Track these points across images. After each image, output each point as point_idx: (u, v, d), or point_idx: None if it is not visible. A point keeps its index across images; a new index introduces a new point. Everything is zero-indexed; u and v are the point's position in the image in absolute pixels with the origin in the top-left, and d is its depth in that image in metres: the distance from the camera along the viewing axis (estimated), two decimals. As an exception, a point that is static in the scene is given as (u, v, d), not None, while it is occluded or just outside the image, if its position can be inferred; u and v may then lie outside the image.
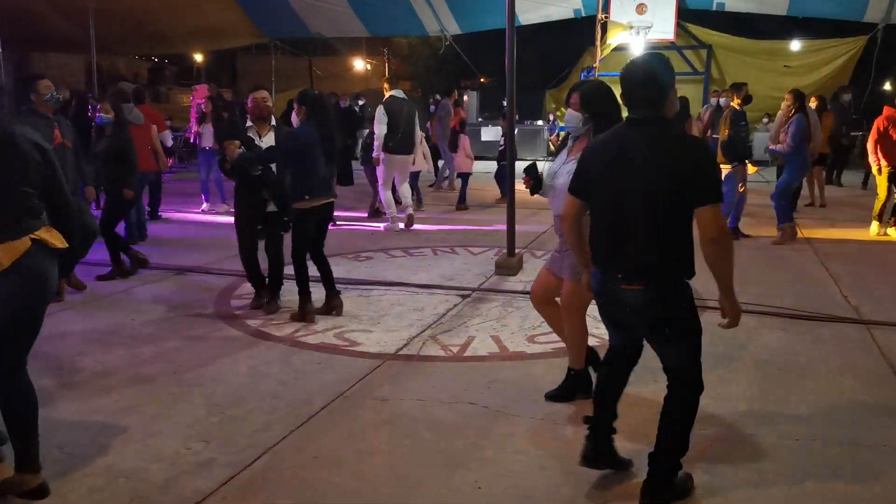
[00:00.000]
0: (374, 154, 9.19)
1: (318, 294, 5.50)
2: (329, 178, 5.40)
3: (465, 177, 11.44)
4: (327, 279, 5.53)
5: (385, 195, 9.26)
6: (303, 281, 5.36)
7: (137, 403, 3.89)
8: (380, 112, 9.05)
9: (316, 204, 5.27)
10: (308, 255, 5.43)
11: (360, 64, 29.95)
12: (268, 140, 5.49)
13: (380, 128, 8.97)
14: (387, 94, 9.22)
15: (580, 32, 19.26)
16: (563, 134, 21.20)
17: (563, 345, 4.81)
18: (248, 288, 5.90)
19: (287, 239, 5.53)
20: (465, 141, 11.66)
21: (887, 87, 22.33)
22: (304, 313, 5.34)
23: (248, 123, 5.54)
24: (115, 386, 4.15)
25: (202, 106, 11.09)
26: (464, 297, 6.01)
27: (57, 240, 2.91)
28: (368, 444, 3.43)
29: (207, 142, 10.72)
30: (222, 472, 3.16)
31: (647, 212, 2.76)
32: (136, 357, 4.62)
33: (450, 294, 6.09)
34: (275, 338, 5.01)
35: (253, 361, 4.54)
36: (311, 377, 4.27)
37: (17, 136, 2.81)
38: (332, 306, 5.51)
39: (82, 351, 4.73)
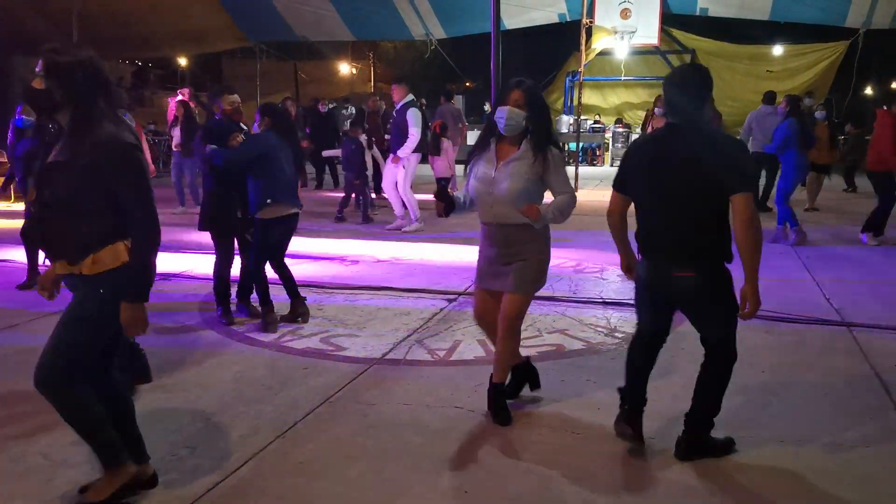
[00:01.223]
0: (402, 154, 9.23)
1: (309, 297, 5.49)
2: (292, 186, 5.29)
3: (444, 182, 10.91)
4: (291, 287, 5.44)
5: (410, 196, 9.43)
6: (265, 292, 5.30)
7: (121, 410, 3.86)
8: (416, 115, 9.08)
9: (281, 214, 5.20)
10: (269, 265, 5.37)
11: (345, 68, 29.94)
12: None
13: (417, 130, 9.06)
14: (406, 98, 9.22)
15: (565, 37, 19.37)
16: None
17: (548, 348, 4.85)
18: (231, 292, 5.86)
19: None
20: (448, 145, 11.40)
21: (868, 91, 22.62)
22: (267, 323, 5.26)
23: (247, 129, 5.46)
24: (98, 392, 4.11)
25: (175, 110, 11.14)
26: (450, 301, 6.02)
27: None
28: (354, 449, 3.42)
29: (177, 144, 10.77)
30: (207, 479, 3.14)
31: (691, 205, 3.10)
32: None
33: (436, 298, 6.09)
34: (260, 343, 4.99)
35: (238, 367, 4.52)
36: (296, 382, 4.26)
37: None
38: (298, 313, 5.44)
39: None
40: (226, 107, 5.39)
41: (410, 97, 9.31)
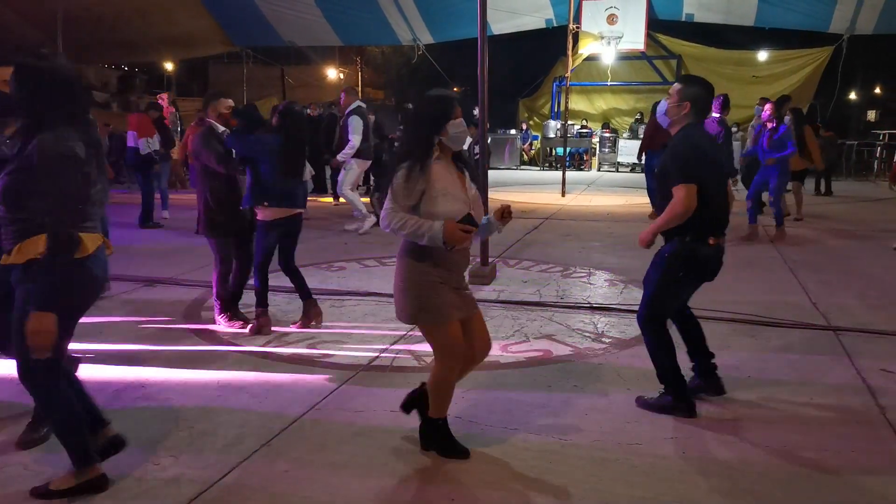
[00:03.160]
0: (341, 158, 9.65)
1: (296, 303, 5.45)
2: (293, 190, 5.24)
3: None
4: (302, 288, 5.46)
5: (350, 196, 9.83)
6: (263, 294, 5.28)
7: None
8: (356, 122, 9.40)
9: (279, 216, 5.18)
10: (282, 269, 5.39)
11: (333, 73, 29.92)
12: None
13: (355, 138, 9.41)
14: (352, 105, 9.56)
15: (552, 42, 19.42)
16: (536, 143, 21.32)
17: (536, 354, 4.84)
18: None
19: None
20: None
21: (852, 96, 22.82)
22: (260, 326, 5.25)
23: (220, 129, 5.35)
24: (81, 401, 4.06)
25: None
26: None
27: None
28: (340, 457, 3.39)
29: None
30: (191, 488, 3.10)
31: (724, 185, 3.91)
32: (103, 371, 4.53)
33: (423, 304, 6.06)
34: (246, 350, 4.95)
35: (223, 374, 4.48)
36: (282, 390, 4.22)
37: None
38: (312, 316, 5.45)
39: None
40: (222, 111, 5.36)
41: (356, 104, 9.60)
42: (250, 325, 5.31)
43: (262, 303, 5.28)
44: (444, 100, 3.23)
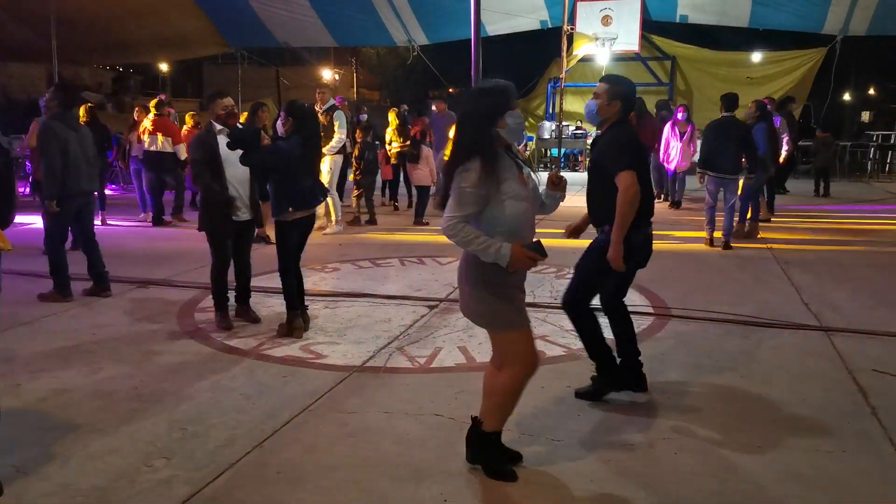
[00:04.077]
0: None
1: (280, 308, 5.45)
2: (312, 190, 5.32)
3: (423, 190, 10.91)
4: (299, 293, 5.45)
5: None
6: (290, 296, 5.30)
7: (97, 420, 3.81)
8: (342, 117, 9.55)
9: (298, 216, 5.23)
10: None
11: (328, 74, 29.89)
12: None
13: (343, 131, 9.57)
14: (330, 103, 9.62)
15: (547, 43, 19.45)
16: (531, 144, 21.26)
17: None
18: (211, 300, 5.81)
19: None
20: (428, 153, 11.20)
21: (846, 97, 22.89)
22: (293, 328, 5.26)
23: (218, 127, 5.39)
24: (73, 402, 4.06)
25: (134, 115, 11.03)
26: (431, 307, 6.00)
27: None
28: (333, 459, 3.39)
29: (138, 151, 10.67)
30: (183, 490, 3.10)
31: (649, 178, 4.10)
32: (96, 372, 4.53)
33: (417, 305, 6.07)
34: (239, 351, 4.95)
35: (216, 376, 4.48)
36: (275, 391, 4.22)
37: None
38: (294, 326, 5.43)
39: (40, 366, 4.62)
40: (219, 112, 5.38)
41: (331, 102, 9.67)
42: (278, 327, 5.35)
43: (293, 305, 5.31)
44: (503, 90, 3.04)
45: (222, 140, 5.34)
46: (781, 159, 10.85)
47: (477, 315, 3.13)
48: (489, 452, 3.25)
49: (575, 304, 4.08)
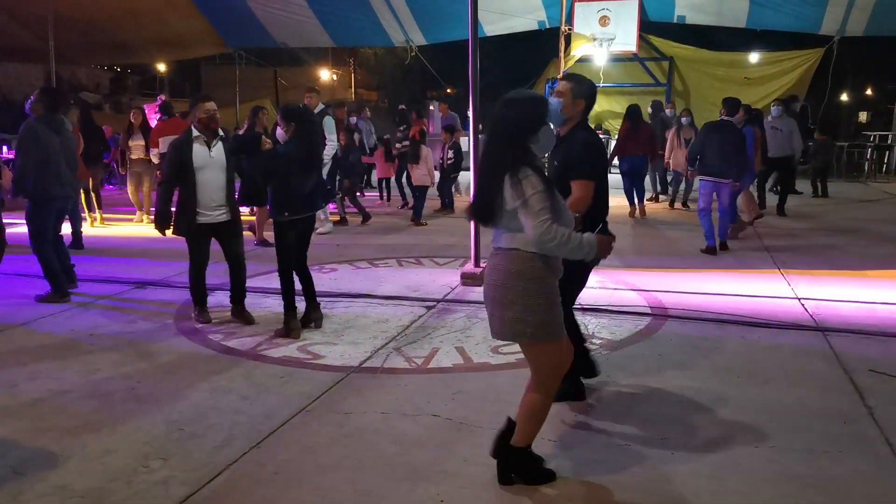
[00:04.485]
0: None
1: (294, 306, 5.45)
2: (311, 193, 5.33)
3: (422, 191, 10.96)
4: (308, 292, 5.51)
5: None
6: (288, 296, 5.32)
7: (93, 421, 3.81)
8: (331, 121, 9.54)
9: (295, 217, 5.26)
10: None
11: (326, 74, 29.89)
12: (216, 151, 5.42)
13: (334, 136, 9.61)
14: (320, 106, 9.61)
15: (544, 44, 19.43)
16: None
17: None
18: (210, 301, 5.81)
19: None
20: (427, 153, 11.21)
21: (843, 97, 22.91)
22: (290, 329, 5.28)
23: (195, 133, 5.39)
24: (70, 403, 4.06)
25: (131, 116, 10.93)
26: (428, 308, 6.00)
27: None
28: (330, 459, 3.40)
29: (137, 153, 10.61)
30: (180, 490, 3.10)
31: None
32: (93, 373, 4.52)
33: (414, 305, 6.08)
34: (237, 352, 4.95)
35: (214, 376, 4.47)
36: (273, 392, 4.22)
37: None
38: (311, 319, 5.49)
39: (37, 367, 4.62)
40: (200, 115, 5.38)
41: (321, 106, 9.60)
42: (277, 330, 5.35)
43: (290, 305, 5.33)
44: (543, 102, 3.06)
45: (199, 146, 5.34)
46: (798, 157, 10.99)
47: (512, 329, 3.01)
48: (525, 466, 3.18)
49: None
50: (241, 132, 9.80)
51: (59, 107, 6.35)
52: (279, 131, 5.40)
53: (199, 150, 5.35)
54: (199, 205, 5.37)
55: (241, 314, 5.66)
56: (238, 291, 5.72)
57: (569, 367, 3.20)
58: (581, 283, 4.08)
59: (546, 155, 3.65)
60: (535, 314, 2.96)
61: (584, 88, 3.90)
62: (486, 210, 3.00)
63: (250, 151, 5.49)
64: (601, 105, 23.54)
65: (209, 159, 5.37)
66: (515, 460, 3.17)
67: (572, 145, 3.89)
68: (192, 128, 5.43)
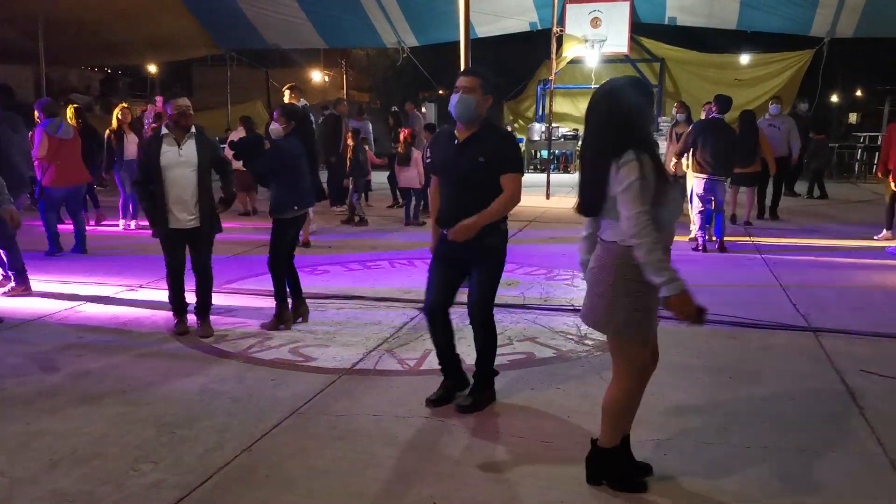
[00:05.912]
0: None
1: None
2: (311, 189, 5.62)
3: (415, 193, 10.90)
4: (296, 286, 5.65)
5: None
6: (280, 288, 5.49)
7: (84, 424, 3.78)
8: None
9: (296, 214, 5.48)
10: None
11: (317, 76, 29.85)
12: (187, 149, 5.23)
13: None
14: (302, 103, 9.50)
15: (536, 45, 19.48)
16: (521, 145, 21.26)
17: (519, 356, 4.85)
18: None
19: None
20: (417, 155, 11.12)
21: (834, 98, 23.01)
22: (283, 320, 5.48)
23: (164, 131, 5.26)
24: (60, 406, 4.03)
25: (118, 116, 10.57)
26: (420, 309, 5.99)
27: None
28: (322, 462, 3.38)
29: (129, 154, 10.36)
30: (171, 494, 3.08)
31: None
32: (84, 376, 4.49)
33: (407, 307, 6.07)
34: (228, 354, 4.93)
35: (205, 379, 4.46)
36: (264, 394, 4.21)
37: None
38: (300, 313, 5.66)
39: (26, 370, 4.59)
40: (172, 111, 5.27)
41: (302, 101, 9.50)
42: (268, 322, 5.49)
43: (282, 298, 5.51)
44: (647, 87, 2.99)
45: (167, 145, 5.20)
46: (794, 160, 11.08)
47: (604, 322, 2.95)
48: (614, 467, 3.12)
49: (489, 316, 4.15)
50: (233, 136, 9.69)
51: (14, 105, 6.95)
52: (274, 125, 5.55)
53: (167, 149, 5.20)
54: (169, 202, 5.20)
55: (200, 327, 5.39)
56: (202, 304, 5.46)
57: (652, 371, 3.10)
58: None
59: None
60: (619, 311, 2.88)
61: (491, 84, 3.80)
62: (594, 202, 2.92)
63: (255, 152, 5.68)
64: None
65: (178, 158, 5.20)
66: (602, 462, 3.12)
67: (501, 142, 3.83)
68: (163, 126, 5.32)
